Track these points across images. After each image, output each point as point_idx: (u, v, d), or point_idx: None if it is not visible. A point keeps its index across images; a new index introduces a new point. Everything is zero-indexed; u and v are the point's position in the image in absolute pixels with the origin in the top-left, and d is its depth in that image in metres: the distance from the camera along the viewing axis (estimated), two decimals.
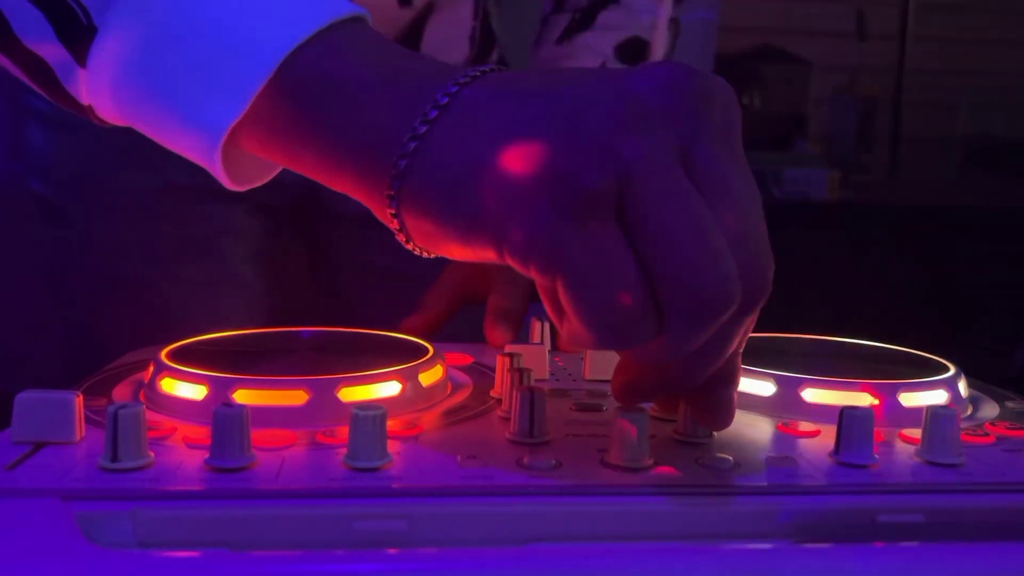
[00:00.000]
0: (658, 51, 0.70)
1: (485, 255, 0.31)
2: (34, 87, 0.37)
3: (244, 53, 0.33)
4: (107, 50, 0.34)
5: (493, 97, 0.31)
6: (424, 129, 0.31)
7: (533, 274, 0.30)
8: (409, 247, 0.34)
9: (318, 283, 0.78)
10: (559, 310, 0.31)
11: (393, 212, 0.32)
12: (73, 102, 0.37)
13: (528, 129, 0.30)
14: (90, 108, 0.37)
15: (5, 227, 0.75)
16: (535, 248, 0.29)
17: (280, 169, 0.38)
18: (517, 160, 0.29)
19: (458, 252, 0.32)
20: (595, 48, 0.68)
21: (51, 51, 0.35)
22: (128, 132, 0.37)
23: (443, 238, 0.31)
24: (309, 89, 0.33)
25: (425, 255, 0.34)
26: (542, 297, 0.32)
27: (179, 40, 0.34)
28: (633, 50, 0.69)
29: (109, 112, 0.37)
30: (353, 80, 0.33)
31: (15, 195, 0.72)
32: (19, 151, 0.71)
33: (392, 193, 0.31)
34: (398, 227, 0.33)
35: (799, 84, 2.15)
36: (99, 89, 0.36)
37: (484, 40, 0.69)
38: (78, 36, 0.34)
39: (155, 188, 0.67)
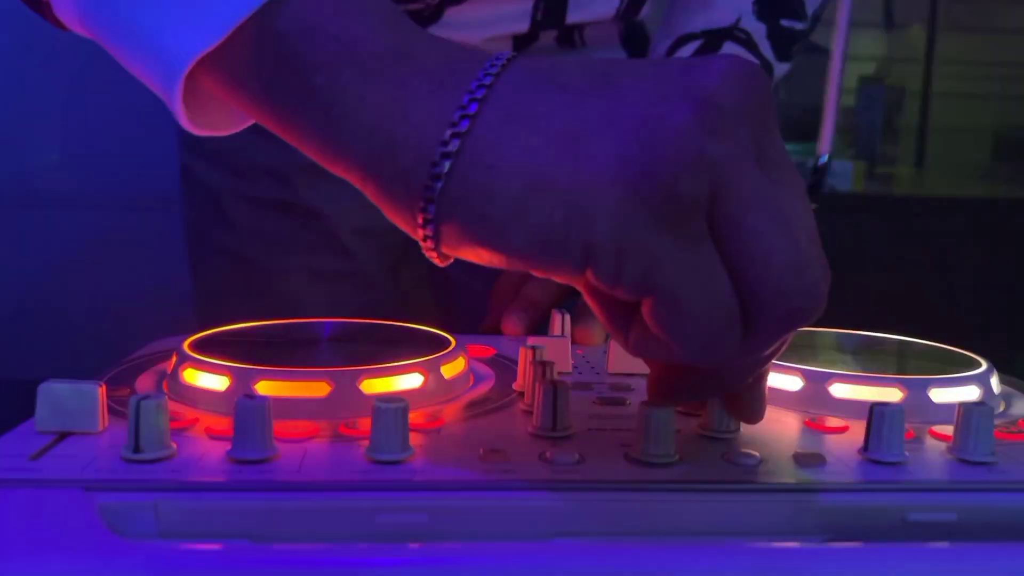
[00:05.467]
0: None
1: (549, 270, 0.28)
2: None
3: None
4: None
5: (536, 90, 0.28)
6: (466, 125, 0.28)
7: (619, 293, 0.28)
8: (432, 255, 0.30)
9: (434, 282, 0.78)
10: (621, 321, 0.29)
11: (429, 218, 0.28)
12: None
13: (599, 130, 0.27)
14: (47, 5, 0.33)
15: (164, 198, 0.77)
16: (630, 265, 0.27)
17: (252, 122, 0.34)
18: (596, 167, 0.27)
19: (509, 264, 0.28)
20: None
21: None
22: None
23: (495, 249, 0.28)
24: (308, 47, 0.29)
25: (442, 263, 0.30)
26: (598, 308, 0.30)
27: None
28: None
29: (69, 14, 0.32)
30: (361, 49, 0.29)
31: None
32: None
33: (432, 196, 0.28)
34: (431, 234, 0.29)
35: (826, 74, 2.12)
36: None
37: None
38: None
39: (289, 165, 0.67)
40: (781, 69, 0.64)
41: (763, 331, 0.28)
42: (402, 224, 0.30)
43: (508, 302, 0.59)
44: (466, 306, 0.75)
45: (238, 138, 0.60)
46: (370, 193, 0.30)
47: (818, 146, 0.57)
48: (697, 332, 0.27)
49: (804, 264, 0.27)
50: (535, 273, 0.29)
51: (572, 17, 0.64)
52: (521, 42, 0.64)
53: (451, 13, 0.60)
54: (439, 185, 0.28)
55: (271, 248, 0.69)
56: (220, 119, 0.35)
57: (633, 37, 0.70)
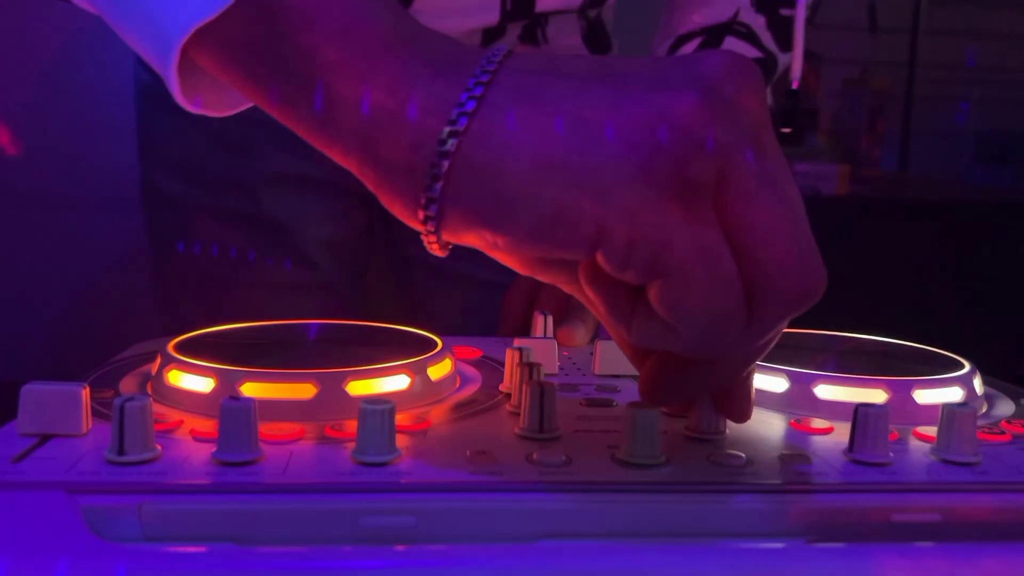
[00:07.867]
0: None
1: (556, 252, 0.28)
2: None
3: None
4: None
5: (540, 78, 0.28)
6: (473, 106, 0.27)
7: (628, 276, 0.28)
8: (431, 239, 0.29)
9: (399, 286, 0.78)
10: (622, 311, 0.29)
11: (433, 198, 0.28)
12: None
13: (607, 114, 0.27)
14: None
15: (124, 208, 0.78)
16: (641, 247, 0.27)
17: (247, 104, 0.34)
18: (607, 147, 0.27)
19: (513, 246, 0.28)
20: None
21: None
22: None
23: (503, 231, 0.28)
24: (311, 23, 0.29)
25: (442, 252, 0.30)
26: (599, 297, 0.30)
27: None
28: None
29: None
30: (366, 28, 0.29)
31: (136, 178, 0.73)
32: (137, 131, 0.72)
33: (438, 175, 0.27)
34: (433, 215, 0.28)
35: (809, 77, 2.14)
36: None
37: None
38: None
39: (254, 177, 0.67)
40: (785, 59, 0.65)
41: (769, 314, 0.28)
42: (400, 209, 0.29)
43: (521, 311, 0.58)
44: (434, 314, 0.75)
45: (202, 150, 0.59)
46: (367, 177, 0.29)
47: (790, 75, 0.60)
48: (705, 315, 0.27)
49: (808, 246, 0.28)
50: (526, 254, 0.29)
51: (541, 5, 0.64)
52: (489, 36, 0.64)
53: (420, 2, 0.60)
54: (446, 163, 0.27)
55: (235, 260, 0.69)
56: (216, 98, 0.34)
57: (593, 36, 0.70)
